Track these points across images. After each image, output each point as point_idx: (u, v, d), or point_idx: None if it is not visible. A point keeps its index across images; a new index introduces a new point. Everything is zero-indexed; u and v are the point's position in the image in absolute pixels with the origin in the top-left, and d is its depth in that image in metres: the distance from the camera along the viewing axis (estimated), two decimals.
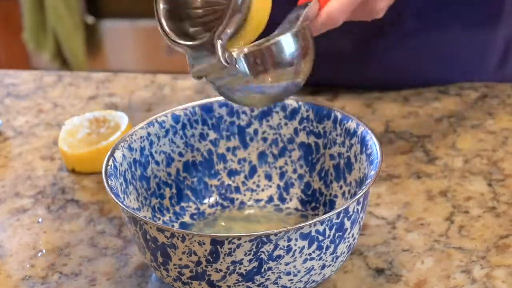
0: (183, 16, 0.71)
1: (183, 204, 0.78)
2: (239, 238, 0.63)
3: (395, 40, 0.97)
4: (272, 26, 0.73)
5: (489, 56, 1.01)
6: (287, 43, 0.70)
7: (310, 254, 0.65)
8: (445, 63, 1.00)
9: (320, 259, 0.66)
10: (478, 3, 0.97)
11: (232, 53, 0.68)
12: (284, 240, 0.64)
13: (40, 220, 0.82)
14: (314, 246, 0.65)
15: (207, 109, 0.79)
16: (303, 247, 0.65)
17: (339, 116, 0.76)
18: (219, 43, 0.67)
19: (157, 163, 0.77)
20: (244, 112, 0.79)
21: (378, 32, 0.96)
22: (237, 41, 0.69)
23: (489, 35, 0.99)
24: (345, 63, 0.98)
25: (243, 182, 0.80)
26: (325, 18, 0.74)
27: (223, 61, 0.67)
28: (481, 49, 1.00)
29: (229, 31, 0.68)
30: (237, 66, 0.68)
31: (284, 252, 0.64)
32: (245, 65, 0.69)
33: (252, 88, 0.71)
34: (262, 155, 0.80)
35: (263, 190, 0.80)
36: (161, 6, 0.71)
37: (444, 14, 0.97)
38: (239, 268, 0.64)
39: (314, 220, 0.64)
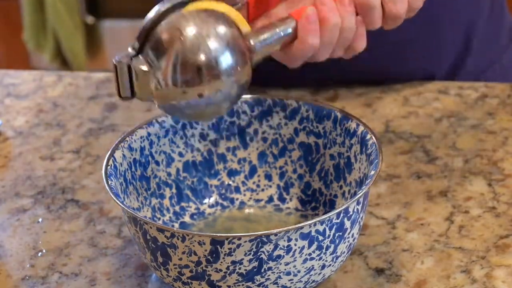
0: None
1: (183, 204, 0.78)
2: (239, 238, 0.63)
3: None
4: None
5: (445, 53, 1.00)
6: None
7: (310, 254, 0.65)
8: (405, 61, 0.99)
9: (320, 259, 0.66)
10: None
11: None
12: (284, 240, 0.64)
13: (40, 220, 0.82)
14: (314, 246, 0.65)
15: None
16: (303, 247, 0.65)
17: (339, 116, 0.76)
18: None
19: (157, 163, 0.76)
20: (244, 112, 0.79)
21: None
22: None
23: (442, 29, 0.99)
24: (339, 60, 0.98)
25: (243, 182, 0.80)
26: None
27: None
28: (436, 44, 0.99)
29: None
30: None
31: (284, 252, 0.64)
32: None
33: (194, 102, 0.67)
34: (262, 155, 0.80)
35: (263, 190, 0.80)
36: None
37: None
38: (239, 268, 0.64)
39: (314, 220, 0.64)
